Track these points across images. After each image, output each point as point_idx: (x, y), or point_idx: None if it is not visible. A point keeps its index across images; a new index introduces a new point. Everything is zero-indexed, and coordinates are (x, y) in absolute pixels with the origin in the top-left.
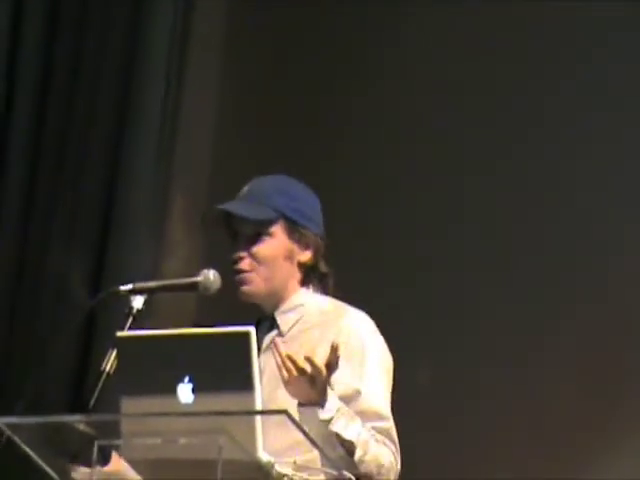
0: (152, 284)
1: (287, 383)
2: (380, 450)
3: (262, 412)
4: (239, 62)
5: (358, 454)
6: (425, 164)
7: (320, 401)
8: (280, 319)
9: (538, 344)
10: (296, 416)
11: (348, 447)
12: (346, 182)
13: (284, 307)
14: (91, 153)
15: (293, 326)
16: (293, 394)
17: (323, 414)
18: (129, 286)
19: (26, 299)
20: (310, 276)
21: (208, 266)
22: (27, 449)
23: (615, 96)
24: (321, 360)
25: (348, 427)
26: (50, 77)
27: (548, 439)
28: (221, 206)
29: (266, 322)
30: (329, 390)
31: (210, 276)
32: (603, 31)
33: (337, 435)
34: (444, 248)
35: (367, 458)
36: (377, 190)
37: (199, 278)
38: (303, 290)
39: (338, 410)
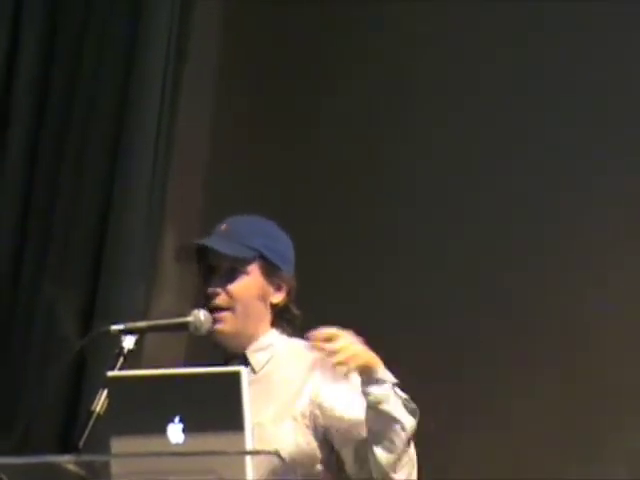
0: (143, 324)
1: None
2: None
3: (253, 452)
4: (232, 97)
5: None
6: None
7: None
8: (251, 357)
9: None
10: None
11: (413, 413)
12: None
13: (255, 346)
14: (83, 191)
15: (264, 365)
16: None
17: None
18: (120, 326)
19: (17, 337)
20: (280, 318)
21: (199, 301)
22: None
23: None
24: (308, 395)
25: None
26: (42, 114)
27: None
28: (201, 241)
29: (236, 361)
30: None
31: (200, 316)
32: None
33: (404, 399)
34: (444, 281)
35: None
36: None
37: (189, 318)
38: (273, 331)
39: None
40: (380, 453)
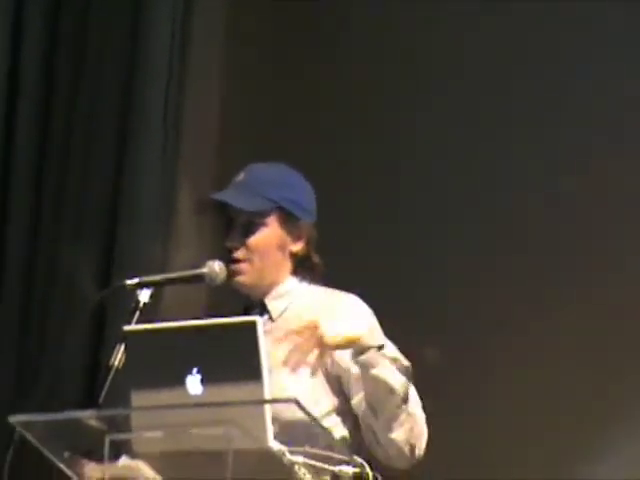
0: (158, 277)
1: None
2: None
3: (272, 401)
4: (241, 52)
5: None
6: (426, 160)
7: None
8: (270, 305)
9: (538, 345)
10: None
11: (405, 372)
12: (349, 174)
13: (274, 294)
14: (97, 150)
15: (283, 312)
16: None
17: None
18: (135, 280)
19: (37, 296)
20: (301, 266)
21: (218, 255)
22: (39, 446)
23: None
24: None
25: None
26: (52, 76)
27: (549, 440)
28: (217, 195)
29: (256, 309)
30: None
31: (215, 268)
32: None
33: (394, 359)
34: (459, 230)
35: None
36: (381, 172)
37: (204, 270)
38: (292, 279)
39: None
40: (370, 417)
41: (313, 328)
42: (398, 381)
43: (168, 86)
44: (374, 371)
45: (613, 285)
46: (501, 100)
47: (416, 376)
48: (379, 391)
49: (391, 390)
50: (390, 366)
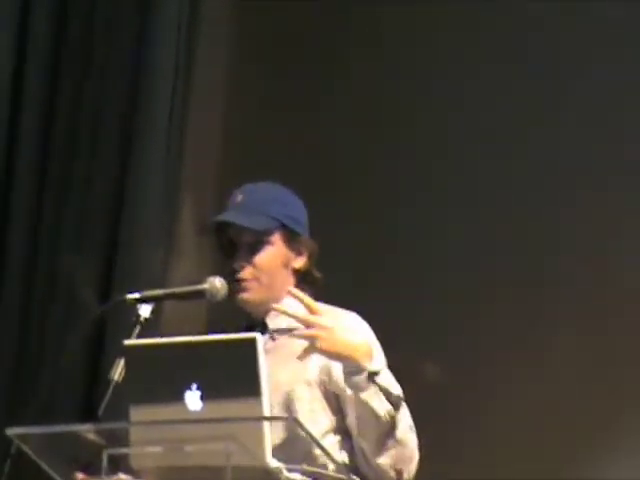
0: (159, 292)
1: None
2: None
3: (271, 418)
4: (242, 52)
5: (401, 411)
6: (425, 161)
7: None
8: (271, 324)
9: (538, 344)
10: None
11: (395, 401)
12: (353, 184)
13: (275, 312)
14: (99, 158)
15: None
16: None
17: (372, 366)
18: (136, 295)
19: (37, 296)
20: (303, 281)
21: (219, 270)
22: (36, 459)
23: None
24: (319, 362)
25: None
26: (57, 77)
27: (548, 439)
28: (221, 217)
29: (257, 328)
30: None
31: (216, 283)
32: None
33: (384, 389)
34: (459, 247)
35: (405, 416)
36: (386, 188)
37: (205, 286)
38: None
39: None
40: (360, 438)
41: (314, 313)
42: (384, 408)
43: (173, 87)
44: (362, 395)
45: (613, 287)
46: (501, 100)
47: (417, 392)
48: (365, 415)
49: (376, 416)
50: (378, 393)
